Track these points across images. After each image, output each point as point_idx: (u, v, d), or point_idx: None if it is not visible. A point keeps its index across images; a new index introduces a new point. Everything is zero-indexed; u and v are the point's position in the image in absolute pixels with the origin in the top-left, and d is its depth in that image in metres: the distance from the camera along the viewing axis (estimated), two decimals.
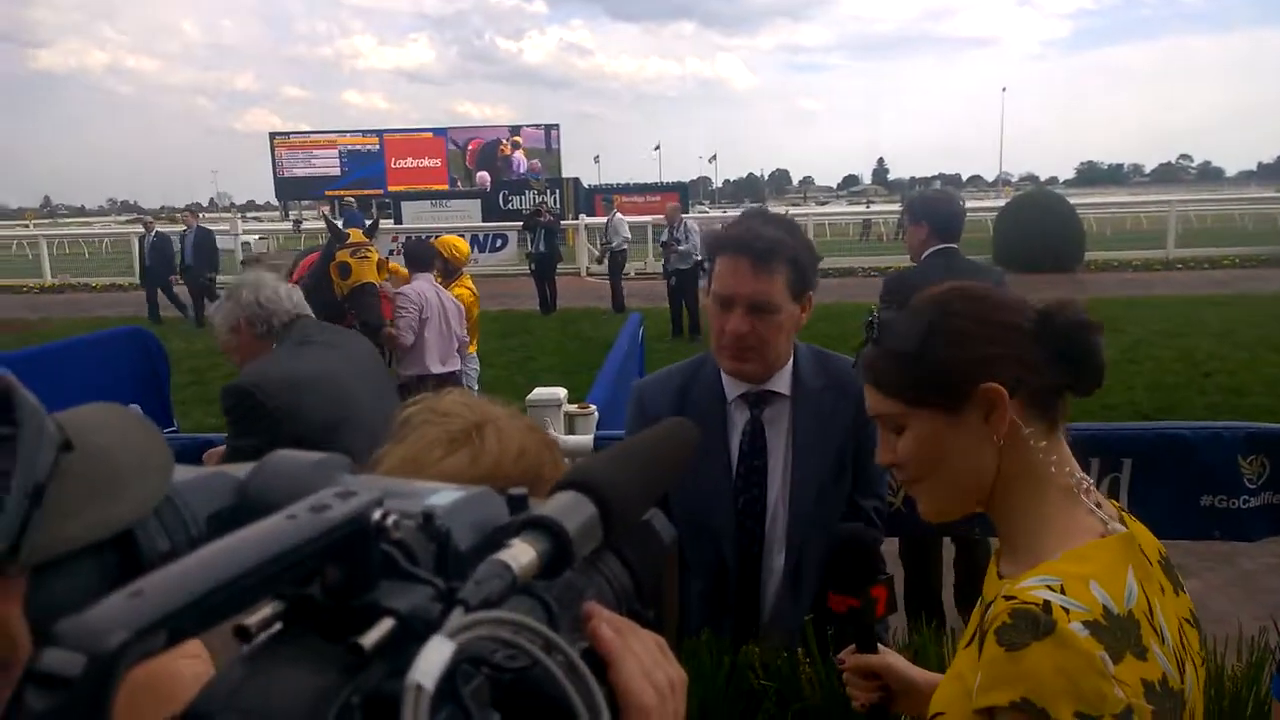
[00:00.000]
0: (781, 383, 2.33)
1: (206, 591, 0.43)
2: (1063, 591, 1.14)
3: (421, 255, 7.02)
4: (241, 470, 0.67)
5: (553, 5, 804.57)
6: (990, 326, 1.28)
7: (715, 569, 2.31)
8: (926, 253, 4.72)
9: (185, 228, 18.16)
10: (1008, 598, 1.16)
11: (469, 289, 7.56)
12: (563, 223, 21.05)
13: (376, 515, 0.51)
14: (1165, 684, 1.13)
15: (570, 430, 3.68)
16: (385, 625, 0.49)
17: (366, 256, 6.19)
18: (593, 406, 3.76)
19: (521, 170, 37.28)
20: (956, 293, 1.32)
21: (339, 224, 6.89)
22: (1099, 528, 1.26)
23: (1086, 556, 1.20)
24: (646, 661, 0.69)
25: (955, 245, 4.73)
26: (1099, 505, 1.29)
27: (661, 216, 15.38)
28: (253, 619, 0.48)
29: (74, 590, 0.67)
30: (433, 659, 0.46)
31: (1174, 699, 1.14)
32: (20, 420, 0.67)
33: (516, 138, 39.73)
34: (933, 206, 4.88)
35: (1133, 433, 3.10)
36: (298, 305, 3.24)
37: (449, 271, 7.52)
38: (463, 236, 10.14)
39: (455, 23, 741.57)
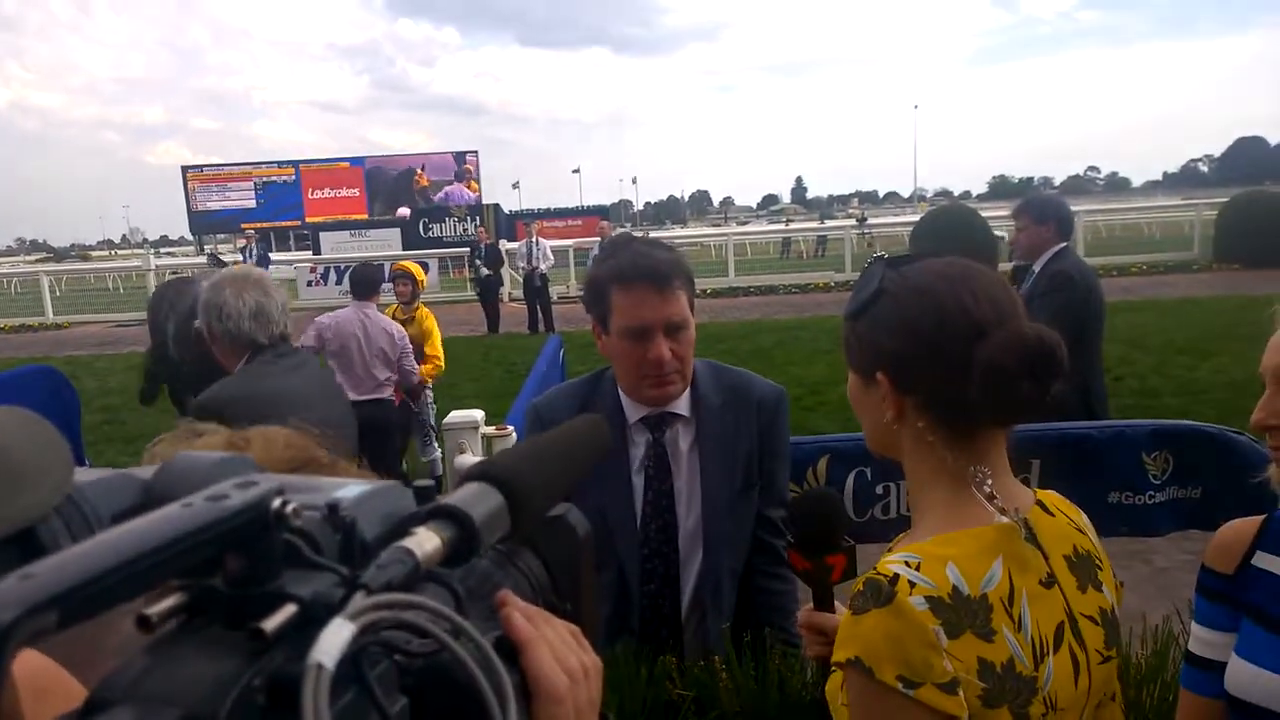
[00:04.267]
0: (681, 404, 2.29)
1: (97, 574, 0.43)
2: (918, 569, 1.21)
3: (360, 281, 6.88)
4: (146, 471, 0.67)
5: (465, 33, 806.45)
6: (918, 335, 1.28)
7: (618, 592, 2.26)
8: (1049, 252, 4.72)
9: None
10: (874, 569, 1.24)
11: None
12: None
13: (276, 503, 0.51)
14: (1010, 667, 1.20)
15: (488, 452, 3.66)
16: (287, 610, 0.49)
17: None
18: (510, 428, 3.74)
19: (460, 199, 37.35)
20: (916, 290, 1.30)
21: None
22: (983, 519, 1.29)
23: (955, 541, 1.26)
24: (559, 648, 0.69)
25: (1068, 244, 4.81)
26: (993, 498, 1.29)
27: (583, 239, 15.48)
28: (154, 609, 0.48)
29: None
30: (333, 640, 0.47)
31: (1020, 683, 1.20)
32: None
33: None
34: (1056, 207, 4.93)
35: (1039, 433, 3.15)
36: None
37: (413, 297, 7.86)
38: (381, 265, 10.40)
39: (367, 51, 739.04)
